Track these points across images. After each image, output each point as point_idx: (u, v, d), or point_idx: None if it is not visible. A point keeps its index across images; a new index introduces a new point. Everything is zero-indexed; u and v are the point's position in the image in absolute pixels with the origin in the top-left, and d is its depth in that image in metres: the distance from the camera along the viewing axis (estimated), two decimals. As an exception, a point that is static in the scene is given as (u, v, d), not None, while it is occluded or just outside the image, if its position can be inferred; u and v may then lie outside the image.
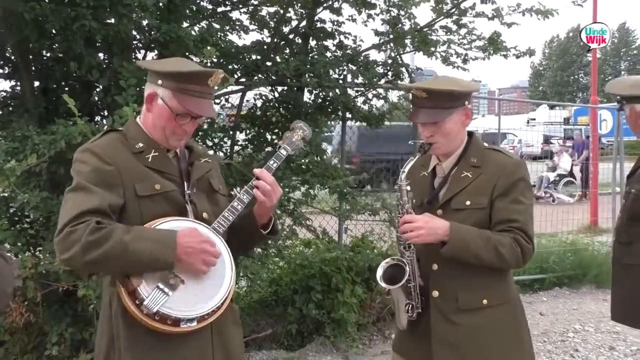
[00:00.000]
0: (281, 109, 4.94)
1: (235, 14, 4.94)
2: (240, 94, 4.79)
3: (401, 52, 5.20)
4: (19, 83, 3.92)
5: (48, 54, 3.93)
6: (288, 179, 4.38)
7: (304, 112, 4.72)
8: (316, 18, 4.99)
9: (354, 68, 4.87)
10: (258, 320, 4.63)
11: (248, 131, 4.92)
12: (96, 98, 3.85)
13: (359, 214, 4.90)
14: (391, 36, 5.04)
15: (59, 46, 3.71)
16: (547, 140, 16.48)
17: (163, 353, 1.72)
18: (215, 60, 4.09)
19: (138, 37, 3.95)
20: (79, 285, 3.15)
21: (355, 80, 4.99)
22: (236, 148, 4.79)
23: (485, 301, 2.04)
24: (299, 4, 4.83)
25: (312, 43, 5.03)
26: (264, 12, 5.01)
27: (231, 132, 4.75)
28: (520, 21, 5.14)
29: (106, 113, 3.83)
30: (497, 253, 1.96)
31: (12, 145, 3.21)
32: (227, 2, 4.85)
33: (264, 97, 4.95)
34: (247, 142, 4.86)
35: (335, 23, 5.05)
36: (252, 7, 4.95)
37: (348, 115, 5.11)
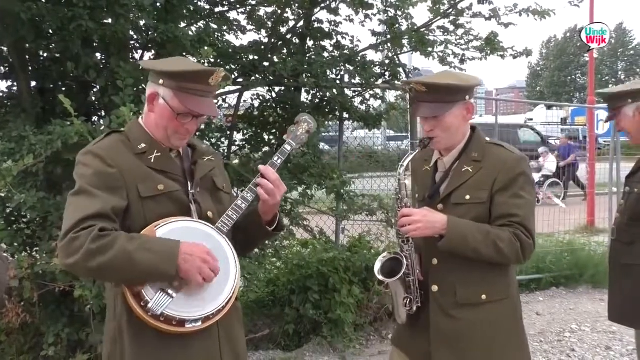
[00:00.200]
0: (278, 109, 4.94)
1: (232, 14, 4.96)
2: (237, 94, 4.80)
3: (398, 52, 5.22)
4: (15, 83, 3.91)
5: (45, 54, 3.93)
6: (285, 179, 4.37)
7: (302, 112, 4.71)
8: (313, 18, 5.00)
9: (352, 68, 4.88)
10: (255, 321, 4.63)
11: (245, 131, 4.93)
12: (93, 98, 3.84)
13: (356, 214, 4.90)
14: (388, 36, 5.05)
15: (56, 46, 3.70)
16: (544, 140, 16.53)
17: (168, 353, 1.71)
18: (212, 60, 4.10)
19: (135, 37, 3.95)
20: (75, 286, 3.15)
21: (353, 81, 5.00)
22: (233, 148, 4.80)
23: (484, 296, 2.03)
24: (297, 4, 4.83)
25: (310, 43, 5.04)
26: (261, 12, 5.02)
27: (228, 133, 4.76)
28: (517, 22, 5.15)
29: (103, 113, 3.83)
30: (496, 248, 1.96)
31: (8, 145, 3.20)
32: (224, 2, 4.85)
33: (261, 98, 4.96)
34: (244, 143, 4.87)
35: (333, 23, 5.06)
36: (250, 7, 4.95)
37: (345, 115, 5.12)
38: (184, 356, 1.73)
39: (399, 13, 5.01)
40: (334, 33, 5.04)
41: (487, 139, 2.16)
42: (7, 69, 3.98)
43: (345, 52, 4.97)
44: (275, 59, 4.70)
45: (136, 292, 1.65)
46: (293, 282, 4.60)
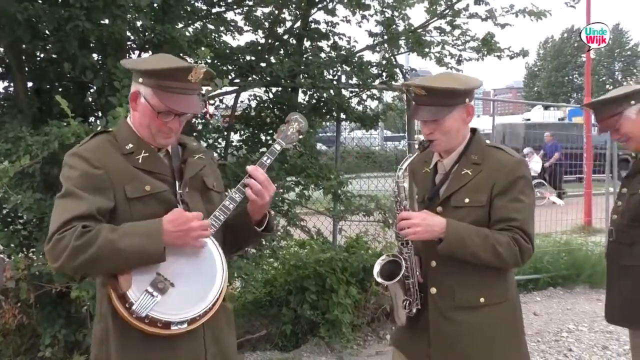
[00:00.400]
0: (275, 109, 4.94)
1: (229, 15, 4.95)
2: (234, 94, 4.80)
3: (395, 53, 5.22)
4: (12, 84, 3.91)
5: (41, 55, 3.92)
6: (282, 180, 4.38)
7: (298, 112, 4.71)
8: (310, 19, 5.00)
9: (348, 69, 4.88)
10: (252, 321, 4.62)
11: (242, 132, 4.92)
12: (90, 99, 3.84)
13: (353, 214, 4.90)
14: (385, 37, 5.05)
15: (52, 47, 3.70)
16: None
17: (154, 355, 1.71)
18: (209, 60, 4.09)
19: (132, 37, 3.95)
20: (72, 287, 3.14)
21: (350, 81, 5.00)
22: (230, 149, 4.79)
23: (482, 299, 2.04)
24: (294, 5, 4.84)
25: (307, 44, 5.04)
26: (258, 13, 5.02)
27: (225, 133, 4.75)
28: (514, 22, 5.17)
29: (100, 114, 3.82)
30: (494, 252, 1.96)
31: (5, 146, 3.20)
32: (221, 3, 4.85)
33: (258, 98, 4.95)
34: (241, 143, 4.86)
35: (330, 24, 5.06)
36: (247, 8, 4.95)
37: (342, 116, 5.12)
38: (169, 358, 1.72)
39: (396, 14, 5.02)
40: (330, 34, 5.04)
41: (487, 141, 2.16)
42: (4, 69, 3.98)
43: (342, 52, 4.97)
44: (272, 60, 4.71)
45: (121, 293, 1.65)
46: (290, 282, 4.60)
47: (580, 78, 49.20)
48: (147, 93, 1.76)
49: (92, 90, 3.79)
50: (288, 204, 4.63)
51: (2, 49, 3.86)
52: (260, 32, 5.02)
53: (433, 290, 2.08)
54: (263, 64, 4.59)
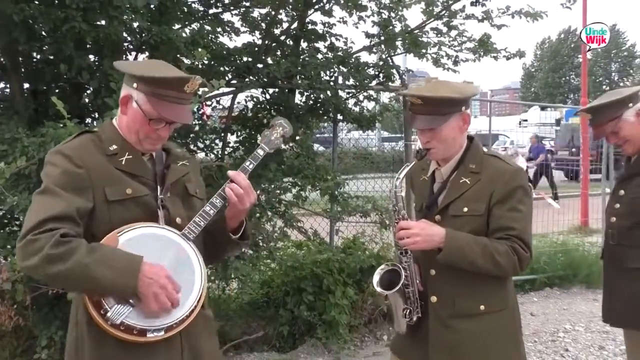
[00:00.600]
0: (272, 110, 4.94)
1: (226, 16, 4.95)
2: (231, 95, 4.79)
3: (392, 53, 5.23)
4: (8, 85, 3.90)
5: (38, 56, 3.92)
6: (279, 181, 4.37)
7: (295, 113, 4.72)
8: (307, 20, 5.01)
9: (345, 70, 4.88)
10: (249, 322, 4.62)
11: (239, 133, 4.92)
12: (86, 100, 3.84)
13: (350, 215, 4.91)
14: (382, 38, 5.06)
15: (48, 48, 3.69)
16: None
17: None
18: (206, 62, 4.09)
19: (129, 39, 3.95)
20: (68, 288, 3.14)
21: (347, 82, 5.00)
22: (227, 150, 4.79)
23: (482, 307, 2.05)
24: (290, 6, 4.84)
25: (303, 45, 5.04)
26: (255, 14, 5.02)
27: (222, 134, 4.75)
28: (510, 23, 5.18)
29: (97, 115, 3.82)
30: (493, 261, 1.97)
31: (1, 147, 3.20)
32: (218, 4, 4.85)
33: (255, 99, 4.95)
34: (238, 144, 4.86)
35: (326, 25, 5.06)
36: (244, 9, 4.95)
37: (339, 117, 5.12)
38: None
39: (393, 15, 5.03)
40: (327, 35, 5.05)
41: (485, 149, 2.16)
42: (0, 70, 3.97)
43: (339, 53, 4.98)
44: (269, 61, 4.71)
45: (96, 300, 1.61)
46: (287, 283, 4.60)
47: (577, 79, 49.30)
48: (140, 99, 1.74)
49: (88, 92, 3.79)
50: (285, 205, 4.63)
51: (-2, 50, 3.86)
52: (257, 33, 5.02)
53: (433, 298, 2.09)
54: (260, 65, 4.60)
